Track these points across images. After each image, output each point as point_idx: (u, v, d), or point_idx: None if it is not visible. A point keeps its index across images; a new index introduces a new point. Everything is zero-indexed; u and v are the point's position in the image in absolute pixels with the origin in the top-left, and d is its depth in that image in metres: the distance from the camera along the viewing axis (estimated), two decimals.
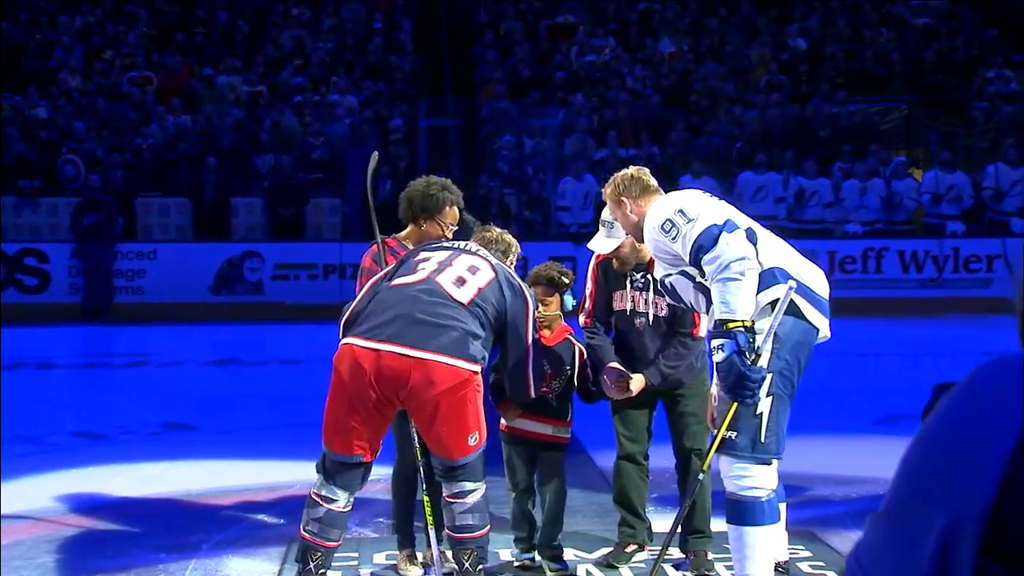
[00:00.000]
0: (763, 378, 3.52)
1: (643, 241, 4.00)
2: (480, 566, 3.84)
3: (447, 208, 4.30)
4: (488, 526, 3.88)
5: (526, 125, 15.77)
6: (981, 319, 12.64)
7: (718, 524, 4.51)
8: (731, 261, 3.50)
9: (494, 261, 3.94)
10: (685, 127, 15.83)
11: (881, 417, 7.69)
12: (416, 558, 4.47)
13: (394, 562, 4.50)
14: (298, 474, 6.11)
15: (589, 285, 4.52)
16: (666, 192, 4.00)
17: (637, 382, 4.30)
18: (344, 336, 3.76)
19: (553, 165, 15.38)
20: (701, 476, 3.80)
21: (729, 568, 4.39)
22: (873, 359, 11.27)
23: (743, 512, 3.58)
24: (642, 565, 4.47)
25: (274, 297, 13.60)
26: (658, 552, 4.53)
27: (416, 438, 4.13)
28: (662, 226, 3.66)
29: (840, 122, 16.12)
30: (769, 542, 3.60)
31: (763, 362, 3.53)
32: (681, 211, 3.64)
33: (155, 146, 15.03)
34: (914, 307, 13.34)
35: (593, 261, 4.52)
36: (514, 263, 4.24)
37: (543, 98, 16.38)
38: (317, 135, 15.25)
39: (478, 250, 4.00)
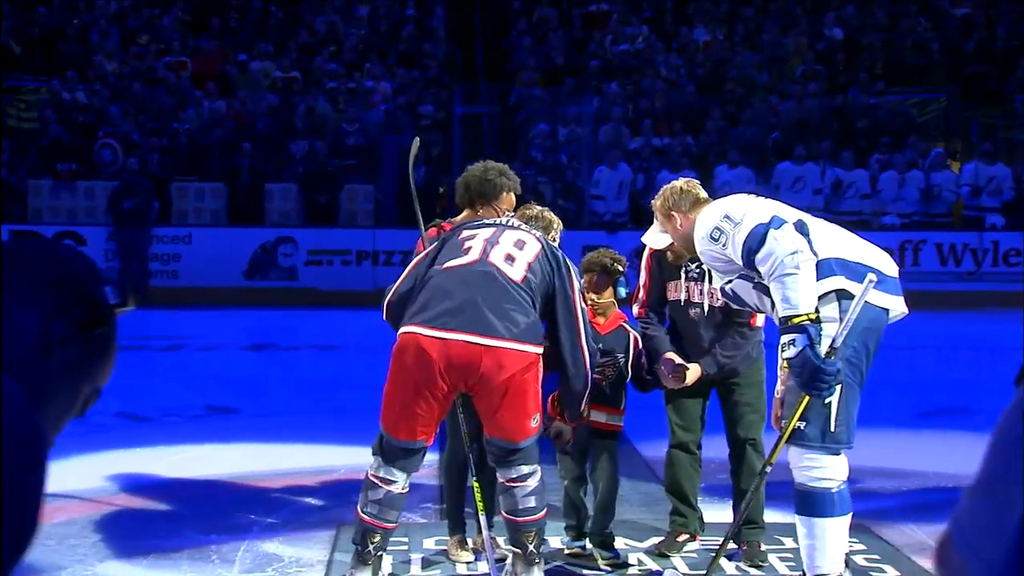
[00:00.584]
0: (838, 371, 3.49)
1: (692, 253, 4.01)
2: (541, 548, 3.85)
3: (504, 194, 4.30)
4: (546, 509, 3.89)
5: (561, 113, 15.73)
6: (1021, 313, 12.52)
7: (771, 515, 4.51)
8: (784, 257, 3.49)
9: (538, 233, 3.96)
10: (720, 116, 15.74)
11: (920, 412, 7.64)
12: (467, 544, 4.48)
13: (444, 548, 4.51)
14: (343, 459, 6.17)
15: (643, 275, 4.51)
16: (713, 198, 4.00)
17: (693, 372, 4.28)
18: (402, 323, 3.75)
19: (588, 154, 15.33)
20: (768, 469, 3.77)
21: (783, 560, 4.39)
22: (910, 353, 11.19)
23: (813, 503, 3.56)
24: (694, 555, 4.46)
25: (307, 283, 13.64)
26: (711, 543, 4.56)
27: (464, 425, 4.15)
28: (710, 235, 3.68)
29: (878, 113, 15.99)
30: (840, 534, 3.57)
31: (825, 348, 3.51)
32: (727, 216, 3.66)
33: (191, 131, 15.11)
34: (952, 301, 13.21)
35: (648, 251, 4.51)
36: (556, 240, 4.24)
37: (577, 86, 16.33)
38: (351, 121, 15.29)
39: (520, 224, 4.00)
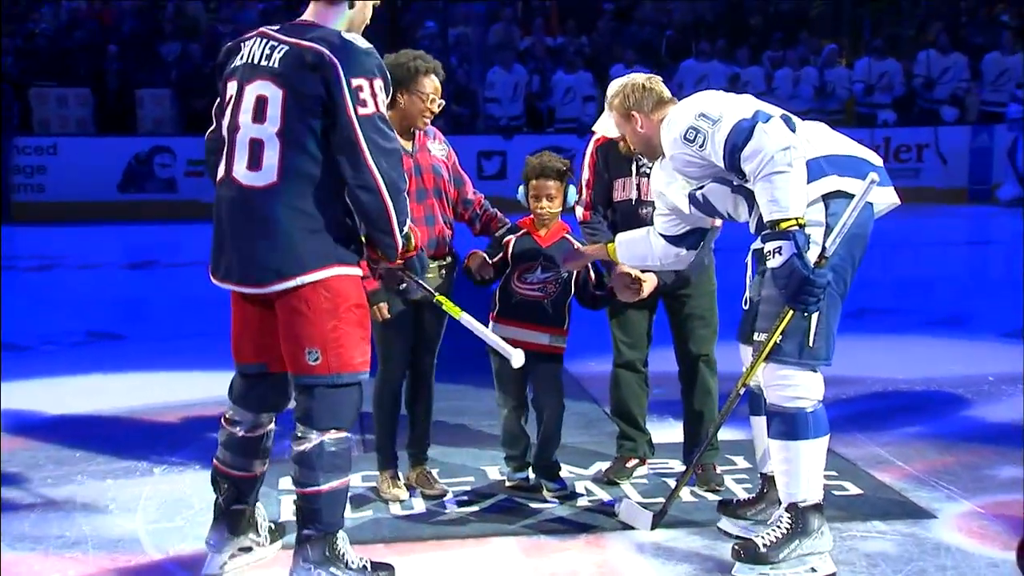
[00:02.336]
0: (828, 283, 3.19)
1: (653, 157, 3.63)
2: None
3: (422, 77, 3.82)
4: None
5: (450, 13, 15.06)
6: (910, 209, 12.60)
7: (721, 433, 4.24)
8: (774, 153, 3.15)
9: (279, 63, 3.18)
10: (612, 15, 15.33)
11: (843, 313, 7.51)
12: (399, 479, 4.10)
13: (373, 484, 4.12)
14: None
15: (586, 172, 4.09)
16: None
17: (649, 284, 3.92)
18: None
19: (479, 55, 14.75)
20: (742, 391, 3.45)
21: (738, 482, 4.14)
22: None
23: (788, 425, 3.27)
24: (644, 481, 4.18)
25: (188, 195, 12.85)
26: (661, 467, 4.28)
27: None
28: (684, 136, 3.31)
29: (769, 10, 15.81)
30: (818, 457, 3.30)
31: (813, 257, 3.20)
32: (702, 115, 3.30)
33: (48, 31, 13.99)
34: None
35: (591, 146, 4.09)
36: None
37: None
38: (225, 22, 14.40)
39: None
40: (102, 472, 4.40)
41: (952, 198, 13.61)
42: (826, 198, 3.27)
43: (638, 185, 3.99)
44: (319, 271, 3.04)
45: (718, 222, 3.81)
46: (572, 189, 4.01)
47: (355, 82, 2.95)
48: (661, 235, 3.71)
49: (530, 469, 4.12)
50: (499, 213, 4.16)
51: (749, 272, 3.56)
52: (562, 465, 4.14)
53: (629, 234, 3.82)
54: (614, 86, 3.70)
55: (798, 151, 3.19)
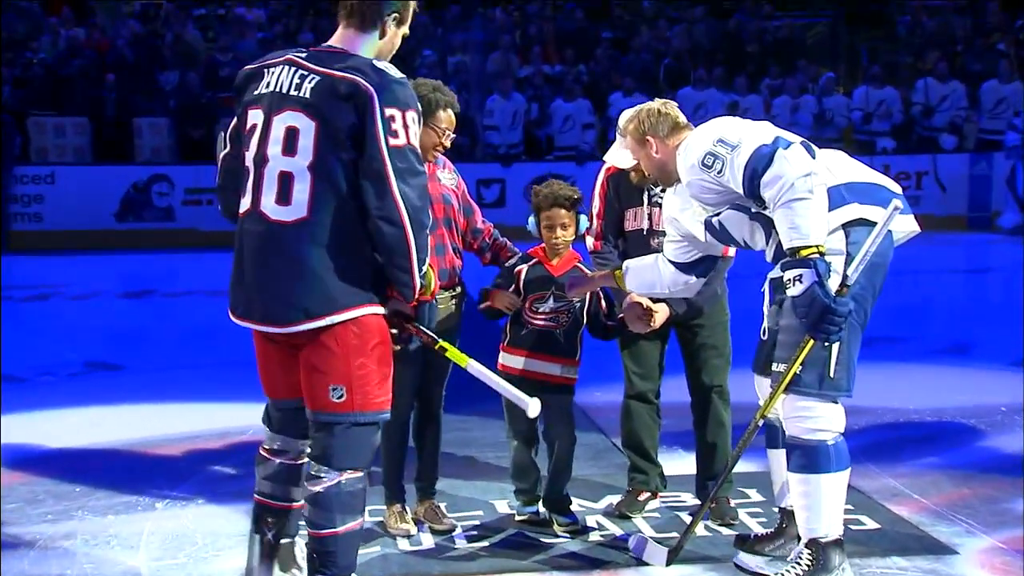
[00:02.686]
0: (850, 312, 3.13)
1: (668, 184, 3.58)
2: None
3: (440, 111, 3.77)
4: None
5: (448, 40, 15.07)
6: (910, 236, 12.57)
7: (737, 466, 4.17)
8: (795, 179, 3.11)
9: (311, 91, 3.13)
10: (610, 43, 15.35)
11: None
12: (407, 513, 4.01)
13: (381, 519, 4.03)
14: (248, 418, 5.46)
15: (597, 202, 4.04)
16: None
17: (662, 314, 3.86)
18: None
19: (477, 83, 14.74)
20: (761, 423, 3.39)
21: (752, 515, 4.06)
22: None
23: (808, 458, 3.20)
24: (657, 515, 4.10)
25: (186, 223, 12.80)
26: (674, 500, 4.20)
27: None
28: (703, 161, 3.26)
29: (766, 37, 15.83)
30: (838, 491, 3.23)
31: (834, 286, 3.14)
32: (721, 140, 3.26)
33: (47, 61, 13.97)
34: None
35: (602, 175, 4.04)
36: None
37: (463, 13, 15.70)
38: (224, 51, 14.39)
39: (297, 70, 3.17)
40: (103, 507, 4.31)
41: (951, 225, 13.58)
42: (847, 226, 3.23)
43: (649, 215, 3.94)
44: (350, 310, 2.95)
45: (731, 251, 3.76)
46: (583, 217, 3.96)
47: (388, 112, 2.87)
48: (671, 262, 3.65)
49: (540, 503, 4.04)
50: (508, 242, 4.11)
51: (767, 301, 3.50)
52: (572, 499, 4.06)
53: (637, 261, 3.77)
54: (627, 113, 3.66)
55: (819, 178, 3.15)
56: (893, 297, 9.17)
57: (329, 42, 3.06)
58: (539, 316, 3.92)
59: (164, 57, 14.27)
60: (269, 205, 2.94)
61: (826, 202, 3.18)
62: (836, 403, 3.25)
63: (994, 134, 13.94)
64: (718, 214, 3.41)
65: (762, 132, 3.25)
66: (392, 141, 2.87)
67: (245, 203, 3.01)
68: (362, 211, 2.91)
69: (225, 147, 3.13)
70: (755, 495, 4.24)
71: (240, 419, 5.56)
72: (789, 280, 3.13)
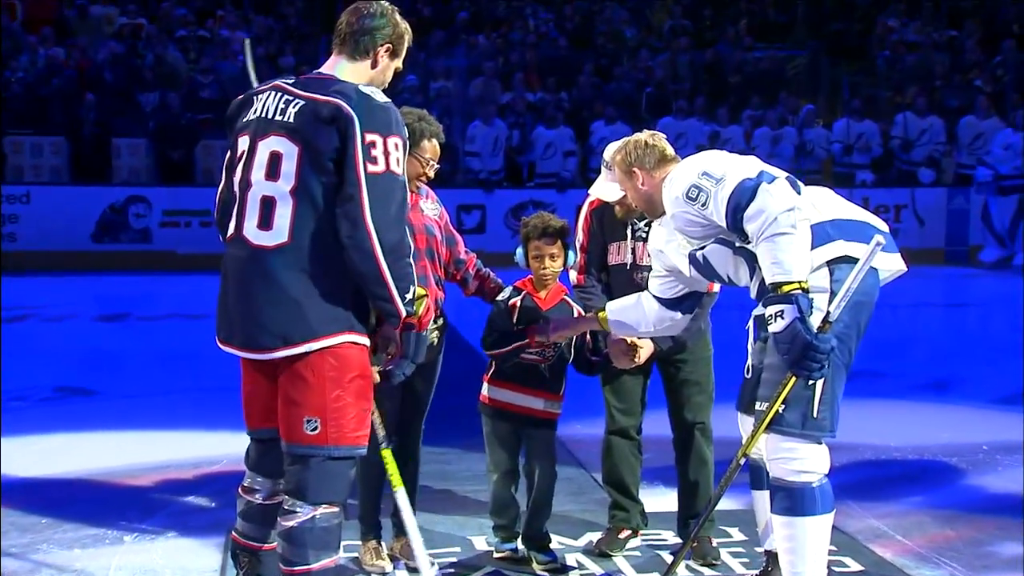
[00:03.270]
0: (832, 348, 3.07)
1: (654, 216, 3.54)
2: None
3: (424, 141, 3.72)
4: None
5: (430, 66, 15.06)
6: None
7: (719, 503, 4.10)
8: (778, 214, 3.06)
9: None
10: (592, 71, 15.39)
11: None
12: (383, 549, 3.93)
13: (356, 554, 3.94)
14: (223, 447, 5.48)
15: (581, 236, 4.00)
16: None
17: (647, 350, 3.81)
18: None
19: (460, 109, 14.72)
20: (742, 461, 3.33)
21: (735, 555, 3.99)
22: None
23: (793, 500, 3.14)
24: (637, 553, 4.03)
25: (163, 245, 12.68)
26: (655, 539, 4.13)
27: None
28: (687, 194, 3.22)
29: (748, 69, 15.90)
30: (823, 534, 3.17)
31: (818, 323, 3.09)
32: (705, 173, 3.22)
33: (26, 80, 13.85)
34: None
35: (586, 208, 4.00)
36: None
37: (446, 39, 15.71)
38: (206, 72, 14.32)
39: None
40: (69, 540, 4.20)
41: (929, 259, 13.62)
42: (831, 263, 3.19)
43: (633, 249, 3.91)
44: (327, 338, 2.89)
45: (716, 287, 3.71)
46: (571, 250, 3.91)
47: (369, 137, 2.83)
48: (656, 298, 3.60)
49: (519, 539, 3.96)
50: (492, 273, 4.05)
51: (751, 339, 3.45)
52: (552, 535, 3.99)
53: (620, 302, 3.72)
54: (615, 145, 3.63)
55: (802, 213, 3.11)
56: (872, 331, 9.20)
57: (320, 69, 3.04)
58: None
59: (144, 78, 14.19)
60: (251, 230, 2.90)
61: (810, 238, 3.14)
62: (820, 444, 3.20)
63: (971, 169, 14.04)
64: (703, 248, 3.37)
65: (747, 166, 3.21)
66: (371, 167, 2.82)
67: (230, 228, 2.97)
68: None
69: (221, 179, 3.08)
70: (737, 534, 4.18)
71: (214, 448, 5.48)
72: (770, 316, 3.09)
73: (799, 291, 3.06)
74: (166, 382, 7.26)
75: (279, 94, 2.94)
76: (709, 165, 3.24)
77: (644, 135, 3.55)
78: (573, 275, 3.99)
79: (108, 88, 13.91)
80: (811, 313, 3.08)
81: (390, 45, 3.04)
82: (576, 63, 15.54)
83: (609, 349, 3.83)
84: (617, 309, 3.68)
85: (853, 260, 3.15)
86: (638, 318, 3.63)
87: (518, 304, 3.87)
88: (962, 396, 6.95)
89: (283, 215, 2.86)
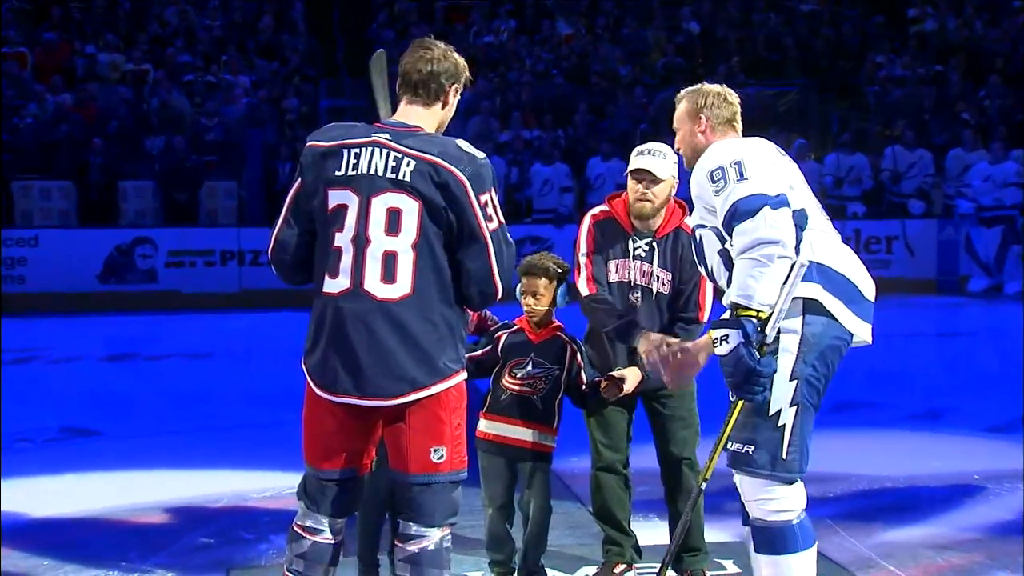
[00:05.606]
0: (774, 371, 3.13)
1: (687, 164, 3.48)
2: None
3: None
4: None
5: None
6: (881, 299, 12.61)
7: (712, 535, 4.22)
8: (762, 242, 3.06)
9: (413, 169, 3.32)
10: (588, 109, 15.61)
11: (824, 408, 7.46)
12: None
13: None
14: (224, 485, 5.63)
15: (585, 245, 4.05)
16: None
17: (632, 379, 3.92)
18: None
19: None
20: (703, 486, 3.40)
21: None
22: None
23: (773, 539, 3.21)
24: None
25: (169, 285, 12.87)
26: (649, 571, 4.21)
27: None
28: (711, 173, 3.21)
29: (739, 105, 16.08)
30: (808, 569, 3.24)
31: (787, 366, 3.17)
32: (738, 164, 3.17)
33: (34, 126, 14.10)
34: None
35: (589, 220, 4.10)
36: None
37: None
38: (210, 115, 14.57)
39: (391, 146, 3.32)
40: None
41: (921, 289, 13.76)
42: (806, 307, 3.19)
43: (630, 269, 4.00)
44: (453, 377, 3.14)
45: (704, 316, 3.83)
46: (562, 290, 4.02)
47: (483, 199, 3.07)
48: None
49: (515, 575, 4.07)
50: (488, 311, 4.17)
51: None
52: (547, 570, 4.09)
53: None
54: (692, 88, 3.58)
55: (787, 251, 3.08)
56: (865, 361, 9.28)
57: (399, 118, 3.20)
58: (517, 381, 3.98)
59: (151, 122, 14.43)
60: (374, 284, 3.08)
61: (784, 275, 3.10)
62: (794, 483, 3.24)
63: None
64: (704, 226, 3.37)
65: (776, 182, 3.16)
66: (490, 226, 3.09)
67: (341, 283, 3.10)
68: (456, 285, 3.12)
69: (290, 226, 3.20)
70: (731, 566, 4.25)
71: (215, 487, 5.61)
72: (716, 339, 3.13)
73: (754, 320, 3.08)
74: (169, 422, 7.36)
75: (385, 151, 3.10)
76: (748, 158, 3.18)
77: (724, 88, 3.53)
78: (583, 285, 4.02)
79: (115, 133, 14.15)
80: (756, 340, 3.09)
81: (457, 85, 3.22)
82: (572, 101, 15.77)
83: (604, 385, 3.93)
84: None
85: (826, 311, 3.18)
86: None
87: (503, 336, 4.02)
88: (952, 425, 7.02)
89: (405, 268, 3.07)
